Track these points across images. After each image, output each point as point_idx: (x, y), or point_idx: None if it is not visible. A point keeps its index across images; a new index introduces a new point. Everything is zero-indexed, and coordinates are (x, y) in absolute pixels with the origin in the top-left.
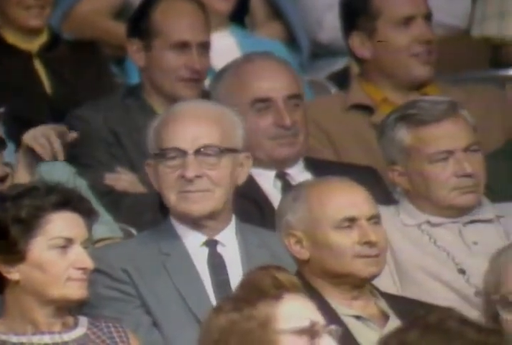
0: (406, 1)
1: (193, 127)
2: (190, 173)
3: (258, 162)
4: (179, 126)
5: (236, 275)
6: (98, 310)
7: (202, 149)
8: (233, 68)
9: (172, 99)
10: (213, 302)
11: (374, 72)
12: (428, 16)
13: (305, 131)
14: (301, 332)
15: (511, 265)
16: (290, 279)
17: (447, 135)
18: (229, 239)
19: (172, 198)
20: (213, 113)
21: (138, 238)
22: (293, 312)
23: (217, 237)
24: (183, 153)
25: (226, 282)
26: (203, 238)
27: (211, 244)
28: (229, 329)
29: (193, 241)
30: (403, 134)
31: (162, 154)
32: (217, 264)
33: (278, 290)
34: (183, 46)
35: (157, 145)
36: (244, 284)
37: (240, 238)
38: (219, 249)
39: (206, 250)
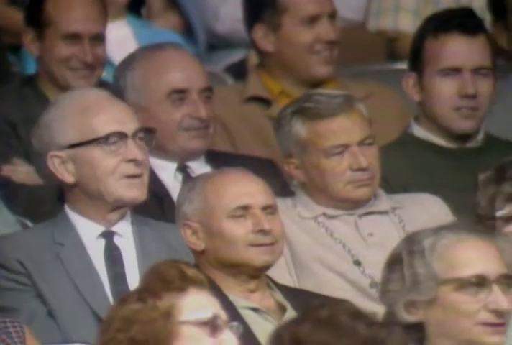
0: (313, 0)
1: (120, 113)
2: (139, 156)
3: (164, 154)
4: (111, 112)
5: (131, 267)
6: None
7: (137, 133)
8: (144, 57)
9: (66, 89)
10: (109, 293)
11: (275, 66)
12: (333, 15)
13: (215, 124)
14: (203, 324)
15: (458, 246)
16: (197, 274)
17: (342, 129)
18: (125, 231)
19: (111, 183)
20: (119, 100)
21: (33, 229)
22: (197, 304)
23: (114, 228)
24: (124, 136)
25: (122, 274)
26: (100, 229)
27: (108, 235)
28: (131, 318)
29: (90, 232)
30: (299, 128)
31: (100, 139)
32: (114, 255)
33: (183, 282)
34: (74, 37)
35: (84, 133)
36: (150, 275)
37: (136, 230)
38: (116, 240)
39: (102, 241)
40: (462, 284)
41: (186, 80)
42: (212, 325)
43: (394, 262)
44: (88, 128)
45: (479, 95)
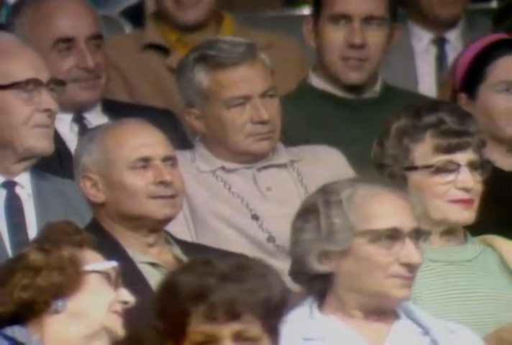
0: None
1: (35, 60)
2: (53, 106)
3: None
4: (27, 58)
5: (30, 219)
6: None
7: (50, 83)
8: (32, 2)
9: None
10: (8, 245)
11: (163, 13)
12: None
13: (107, 73)
14: (107, 276)
15: (375, 199)
16: (90, 235)
17: (244, 80)
18: (26, 182)
19: (23, 132)
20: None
21: None
22: (97, 258)
23: (16, 179)
24: (39, 84)
25: (22, 224)
26: (1, 179)
27: (9, 186)
28: (38, 265)
29: None
30: (202, 76)
31: (20, 84)
32: (14, 205)
33: (81, 238)
34: None
35: (1, 77)
36: (47, 230)
37: (35, 182)
38: (17, 190)
39: (3, 192)
40: (377, 236)
41: (72, 27)
42: (114, 278)
43: (309, 212)
44: (4, 72)
45: (368, 45)
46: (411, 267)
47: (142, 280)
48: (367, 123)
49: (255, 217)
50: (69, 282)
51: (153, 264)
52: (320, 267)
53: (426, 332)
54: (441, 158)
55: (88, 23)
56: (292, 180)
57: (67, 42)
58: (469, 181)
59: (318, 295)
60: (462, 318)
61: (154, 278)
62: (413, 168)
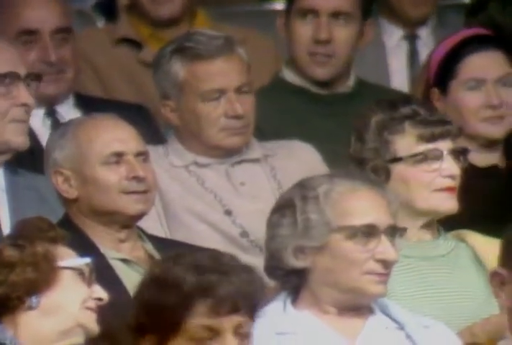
0: None
1: (13, 54)
2: (30, 101)
3: None
4: (5, 53)
5: (4, 214)
6: None
7: (27, 78)
8: None
9: None
10: None
11: (137, 6)
12: None
13: (74, 66)
14: (81, 272)
15: (352, 195)
16: (64, 232)
17: (220, 73)
18: None
19: (0, 127)
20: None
21: None
22: (71, 255)
23: None
24: (17, 78)
25: None
26: None
27: None
28: (13, 260)
29: None
30: (178, 68)
31: None
32: None
33: (56, 234)
34: None
35: None
36: (21, 225)
37: (8, 177)
38: None
39: None
40: (354, 232)
41: (37, 20)
42: (88, 275)
43: (285, 207)
44: None
45: (334, 41)
46: (387, 264)
47: (114, 276)
48: (341, 119)
49: (228, 212)
50: (43, 278)
51: (125, 261)
52: (296, 263)
53: (401, 327)
54: (426, 147)
55: (54, 16)
56: (265, 175)
57: (31, 35)
58: (454, 168)
59: (293, 290)
60: (435, 314)
61: (126, 274)
62: (396, 159)
